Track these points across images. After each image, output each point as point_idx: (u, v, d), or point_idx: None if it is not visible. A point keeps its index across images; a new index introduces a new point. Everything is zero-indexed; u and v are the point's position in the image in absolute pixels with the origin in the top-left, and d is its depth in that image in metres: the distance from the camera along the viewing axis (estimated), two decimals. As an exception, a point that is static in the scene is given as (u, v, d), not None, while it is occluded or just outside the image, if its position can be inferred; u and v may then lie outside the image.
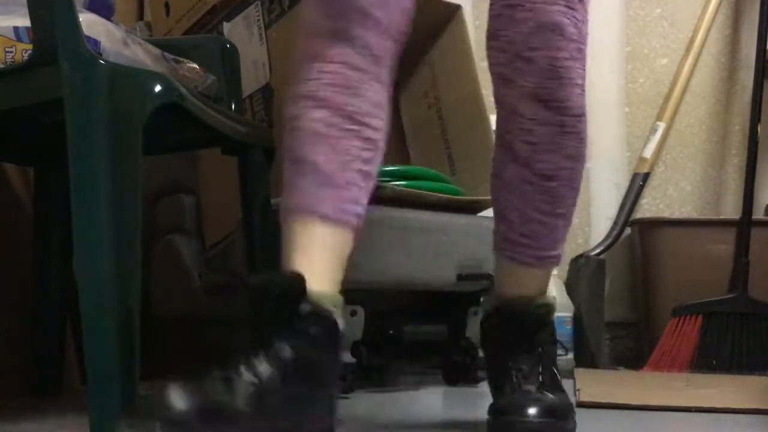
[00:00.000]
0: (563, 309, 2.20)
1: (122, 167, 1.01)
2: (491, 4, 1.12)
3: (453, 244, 1.71)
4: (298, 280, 0.94)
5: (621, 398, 1.52)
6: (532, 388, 1.11)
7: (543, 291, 1.20)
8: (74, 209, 1.01)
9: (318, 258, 0.99)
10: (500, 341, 1.18)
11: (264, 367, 0.92)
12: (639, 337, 2.40)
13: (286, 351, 0.93)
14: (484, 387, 1.24)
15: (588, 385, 1.67)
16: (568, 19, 1.10)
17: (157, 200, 1.85)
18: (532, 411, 1.07)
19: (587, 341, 2.24)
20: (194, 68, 1.40)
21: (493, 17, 1.11)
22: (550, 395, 1.11)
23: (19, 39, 1.15)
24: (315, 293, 0.95)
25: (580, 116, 1.11)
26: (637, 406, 1.47)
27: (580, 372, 1.99)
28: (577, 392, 1.58)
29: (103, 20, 1.20)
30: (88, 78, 1.02)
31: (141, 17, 2.12)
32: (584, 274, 2.31)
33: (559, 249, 1.18)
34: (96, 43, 1.15)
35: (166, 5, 1.83)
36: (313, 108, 1.03)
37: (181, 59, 1.38)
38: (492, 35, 1.12)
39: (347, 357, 1.58)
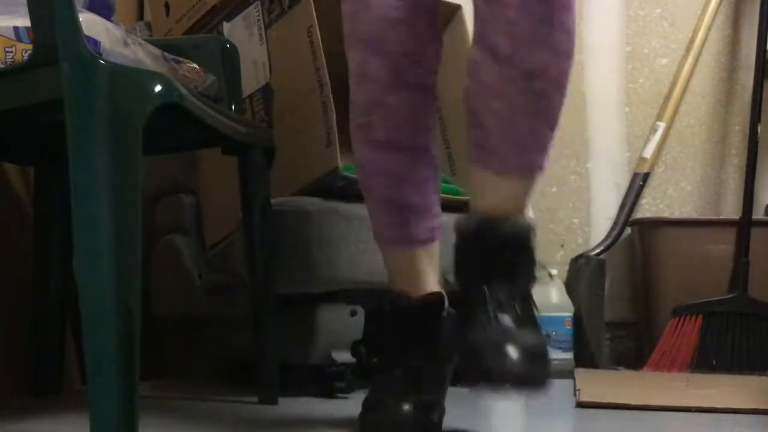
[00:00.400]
0: (563, 309, 2.20)
1: (122, 167, 1.01)
2: None
3: (453, 244, 1.70)
4: (443, 299, 1.19)
5: (621, 398, 1.52)
6: (509, 320, 1.03)
7: (523, 207, 1.10)
8: (74, 209, 1.00)
9: (429, 272, 1.20)
10: (476, 264, 1.08)
11: (429, 363, 1.17)
12: (639, 337, 2.40)
13: (441, 347, 1.18)
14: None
15: (588, 385, 1.67)
16: None
17: (157, 200, 1.85)
18: (512, 352, 0.98)
19: (587, 341, 2.24)
20: (194, 68, 1.40)
21: None
22: (530, 333, 1.03)
23: (19, 39, 1.15)
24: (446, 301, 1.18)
25: (567, 6, 1.01)
26: (637, 406, 1.47)
27: (580, 372, 1.99)
28: (577, 392, 1.58)
29: (103, 20, 1.20)
30: (88, 78, 1.02)
31: (141, 17, 2.13)
32: (584, 274, 2.31)
33: (544, 157, 1.07)
34: (96, 43, 1.15)
35: (166, 5, 1.83)
36: (392, 152, 1.16)
37: (181, 59, 1.38)
38: None
39: (347, 357, 1.58)
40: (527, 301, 1.07)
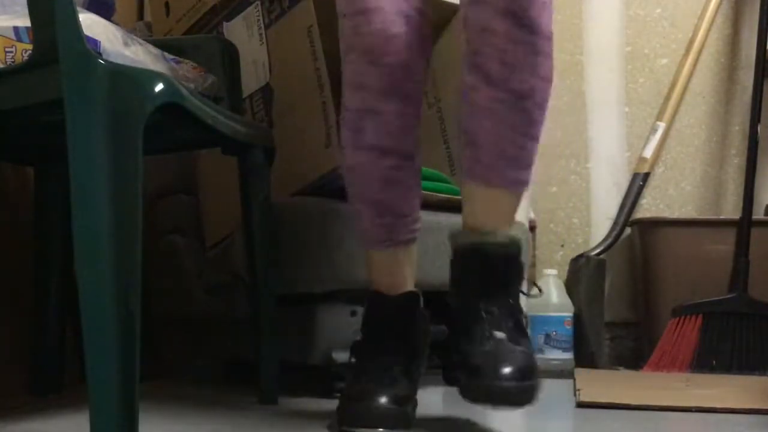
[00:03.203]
0: (563, 309, 2.20)
1: (122, 167, 1.01)
2: None
3: (450, 246, 1.70)
4: (418, 297, 1.30)
5: (621, 398, 1.52)
6: (503, 336, 1.13)
7: (512, 221, 1.20)
8: (74, 209, 1.00)
9: (407, 272, 1.30)
10: (472, 280, 1.19)
11: (405, 358, 1.26)
12: (639, 337, 2.40)
13: (416, 344, 1.28)
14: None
15: (588, 385, 1.67)
16: None
17: (157, 200, 1.85)
18: (506, 370, 1.09)
19: (587, 341, 2.24)
20: (194, 68, 1.40)
21: None
22: (519, 347, 1.13)
23: (19, 39, 1.15)
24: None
25: (549, 37, 1.17)
26: (637, 406, 1.48)
27: (580, 372, 2.00)
28: (577, 392, 1.58)
29: (103, 20, 1.20)
30: (88, 78, 1.02)
31: (141, 17, 2.13)
32: (584, 274, 2.31)
33: (530, 172, 1.20)
34: (96, 43, 1.15)
35: (166, 5, 1.83)
36: (381, 157, 1.23)
37: (181, 59, 1.38)
38: None
39: (347, 357, 1.58)
40: (516, 313, 1.18)
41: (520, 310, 1.19)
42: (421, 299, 1.31)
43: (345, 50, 1.24)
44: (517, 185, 1.19)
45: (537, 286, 1.35)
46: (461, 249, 1.21)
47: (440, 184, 1.74)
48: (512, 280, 1.19)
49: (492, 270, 1.17)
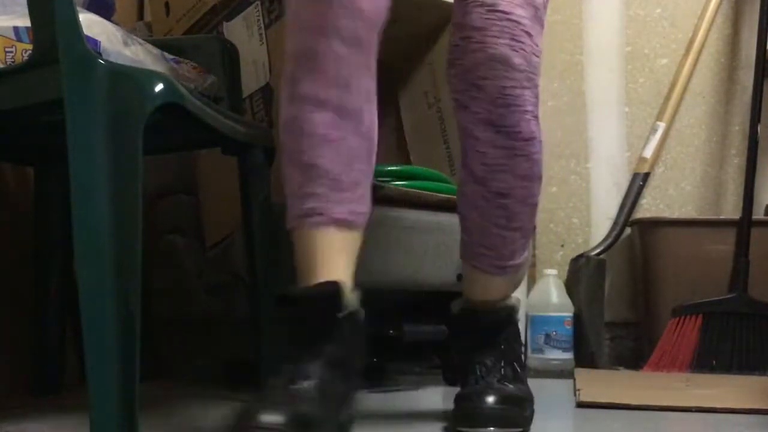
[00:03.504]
0: (563, 309, 2.20)
1: (122, 167, 1.01)
2: (452, 35, 1.20)
3: (453, 244, 1.70)
4: (339, 289, 1.06)
5: (621, 398, 1.52)
6: (493, 380, 1.22)
7: (506, 296, 1.30)
8: (74, 209, 1.00)
9: (340, 262, 1.09)
10: (466, 340, 1.28)
11: (320, 371, 1.02)
12: (639, 337, 2.40)
13: (336, 353, 1.05)
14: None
15: (588, 385, 1.67)
16: (515, 51, 1.15)
17: (157, 200, 1.85)
18: (490, 399, 1.17)
19: (587, 341, 2.24)
20: (194, 68, 1.40)
21: (453, 46, 1.19)
22: (511, 386, 1.22)
23: (19, 39, 1.15)
24: (347, 297, 1.07)
25: (530, 140, 1.19)
26: (637, 406, 1.48)
27: (580, 372, 1.99)
28: (577, 392, 1.58)
29: (103, 20, 1.20)
30: (88, 78, 1.02)
31: (141, 17, 2.13)
32: (584, 274, 2.31)
33: (517, 259, 1.27)
34: (96, 43, 1.15)
35: (166, 5, 1.83)
36: (313, 110, 1.08)
37: (181, 59, 1.38)
38: (450, 63, 1.20)
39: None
40: (512, 363, 1.26)
41: (519, 363, 1.27)
42: (352, 294, 1.07)
43: None
44: (502, 270, 1.26)
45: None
46: (456, 315, 1.31)
47: (440, 184, 1.74)
48: (505, 340, 1.27)
49: (482, 334, 1.27)
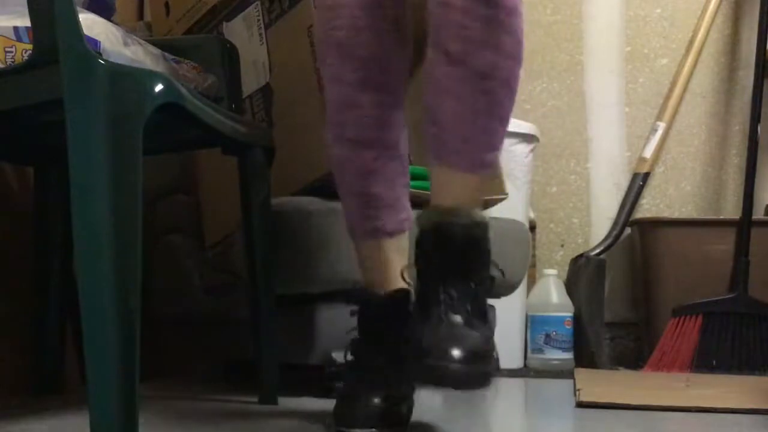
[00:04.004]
0: (563, 309, 2.20)
1: (122, 167, 1.01)
2: None
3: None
4: (407, 294, 1.23)
5: (621, 398, 1.52)
6: (459, 320, 1.08)
7: (477, 202, 1.17)
8: (74, 209, 1.00)
9: (396, 265, 1.25)
10: (433, 261, 1.13)
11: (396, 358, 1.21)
12: (639, 337, 2.40)
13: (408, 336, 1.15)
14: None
15: (588, 385, 1.67)
16: None
17: (157, 200, 1.85)
18: (455, 353, 1.03)
19: (587, 341, 2.24)
20: (194, 68, 1.40)
21: None
22: (475, 332, 1.07)
23: (19, 39, 1.15)
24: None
25: (512, 9, 1.08)
26: (637, 406, 1.48)
27: (580, 372, 2.00)
28: (577, 392, 1.58)
29: (103, 20, 1.20)
30: (88, 78, 1.02)
31: (141, 17, 2.12)
32: (584, 274, 2.31)
33: (495, 154, 1.15)
34: (96, 43, 1.15)
35: (166, 5, 1.83)
36: (362, 149, 1.24)
37: (181, 59, 1.38)
38: None
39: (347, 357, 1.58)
40: (479, 300, 1.12)
41: (484, 294, 1.13)
42: (413, 296, 1.21)
43: (320, 45, 1.26)
44: (481, 167, 1.13)
45: (500, 269, 1.25)
46: (423, 226, 1.15)
47: (440, 184, 1.74)
48: (475, 263, 1.13)
49: (452, 251, 1.11)
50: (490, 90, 1.09)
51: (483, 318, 1.11)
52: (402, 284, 1.24)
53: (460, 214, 1.12)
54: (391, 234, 1.27)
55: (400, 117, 1.26)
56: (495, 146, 1.14)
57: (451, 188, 1.14)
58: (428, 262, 1.14)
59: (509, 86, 1.11)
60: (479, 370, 1.05)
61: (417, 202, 1.66)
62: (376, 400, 1.19)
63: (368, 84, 1.21)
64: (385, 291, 1.26)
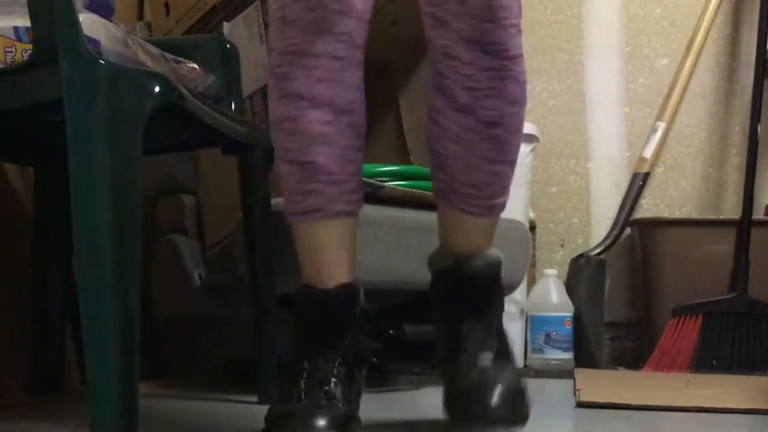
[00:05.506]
0: (563, 309, 2.20)
1: (122, 167, 1.01)
2: None
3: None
4: (357, 289, 1.09)
5: (621, 398, 1.52)
6: (488, 360, 1.08)
7: (490, 243, 1.16)
8: (74, 209, 1.00)
9: (343, 256, 1.09)
10: (454, 303, 1.13)
11: (343, 369, 1.06)
12: (639, 337, 2.40)
13: (356, 344, 1.07)
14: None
15: (588, 385, 1.67)
16: None
17: (157, 200, 1.85)
18: (495, 399, 1.03)
19: (587, 341, 2.24)
20: (194, 68, 1.40)
21: None
22: (506, 372, 1.07)
23: (19, 39, 1.15)
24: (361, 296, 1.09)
25: (517, 58, 1.07)
26: (637, 406, 1.48)
27: (580, 372, 1.99)
28: (577, 392, 1.58)
29: (103, 20, 1.20)
30: (88, 78, 1.02)
31: (141, 17, 2.12)
32: (584, 274, 2.31)
33: (506, 196, 1.15)
34: (96, 43, 1.15)
35: (166, 5, 1.83)
36: (308, 108, 1.05)
37: (181, 59, 1.38)
38: None
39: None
40: (501, 334, 1.13)
41: (503, 330, 1.14)
42: (362, 293, 1.10)
43: None
44: (492, 210, 1.14)
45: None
46: (439, 270, 1.16)
47: (440, 184, 1.74)
48: (494, 299, 1.14)
49: (471, 293, 1.12)
50: (499, 137, 1.09)
51: (508, 353, 1.13)
52: (348, 278, 1.09)
53: (477, 257, 1.13)
54: (340, 216, 1.08)
55: (359, 78, 1.08)
56: (505, 188, 1.14)
57: (463, 233, 1.14)
58: (447, 302, 1.14)
59: (516, 130, 1.11)
60: (520, 410, 1.06)
61: (417, 203, 1.67)
62: (321, 423, 0.98)
63: (324, 26, 1.03)
64: (327, 287, 1.08)
